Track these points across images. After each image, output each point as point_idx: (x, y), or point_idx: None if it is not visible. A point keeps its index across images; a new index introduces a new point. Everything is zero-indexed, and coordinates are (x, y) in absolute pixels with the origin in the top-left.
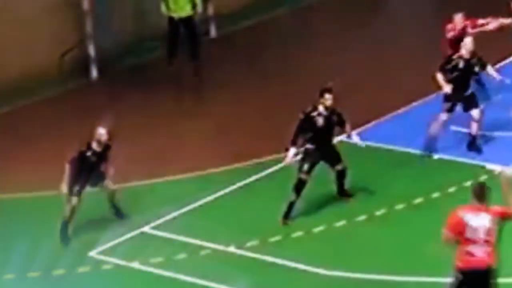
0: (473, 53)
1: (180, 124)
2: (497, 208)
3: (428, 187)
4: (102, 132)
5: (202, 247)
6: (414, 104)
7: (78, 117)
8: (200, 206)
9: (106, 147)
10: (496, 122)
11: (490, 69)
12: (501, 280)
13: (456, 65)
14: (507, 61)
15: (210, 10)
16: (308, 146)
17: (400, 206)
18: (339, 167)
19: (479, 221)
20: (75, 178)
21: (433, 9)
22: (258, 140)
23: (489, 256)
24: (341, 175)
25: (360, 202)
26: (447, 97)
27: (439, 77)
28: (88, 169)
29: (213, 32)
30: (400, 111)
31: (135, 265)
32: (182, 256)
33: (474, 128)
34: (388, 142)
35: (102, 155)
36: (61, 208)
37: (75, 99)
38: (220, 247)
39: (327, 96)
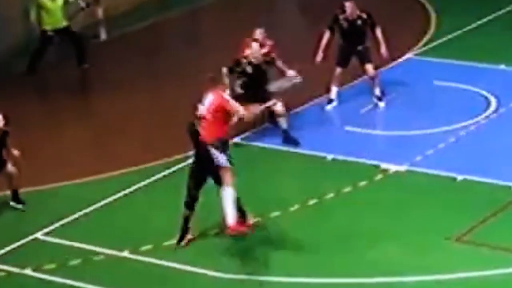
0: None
1: (70, 128)
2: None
3: (323, 188)
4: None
5: (96, 253)
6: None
7: None
8: (94, 211)
9: (4, 133)
10: (390, 121)
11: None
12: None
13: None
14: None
15: (100, 13)
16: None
17: (295, 207)
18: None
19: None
20: None
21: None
22: (150, 143)
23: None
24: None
25: (254, 204)
26: None
27: None
28: None
29: (103, 35)
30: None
31: (28, 271)
32: (76, 262)
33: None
34: (279, 143)
35: (1, 142)
36: None
37: None
38: (114, 252)
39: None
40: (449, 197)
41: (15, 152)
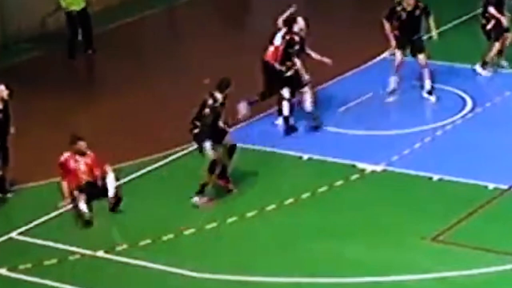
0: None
1: (62, 123)
2: None
3: (299, 187)
4: (2, 88)
5: (71, 252)
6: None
7: None
8: (69, 210)
9: (7, 104)
10: (367, 121)
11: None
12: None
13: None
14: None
15: None
16: None
17: (271, 207)
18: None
19: None
20: None
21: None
22: (125, 144)
23: None
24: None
25: (230, 203)
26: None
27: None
28: None
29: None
30: (270, 111)
31: (3, 271)
32: (51, 261)
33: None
34: (256, 143)
35: (6, 113)
36: None
37: None
38: (89, 252)
39: None
40: (425, 197)
41: (12, 129)
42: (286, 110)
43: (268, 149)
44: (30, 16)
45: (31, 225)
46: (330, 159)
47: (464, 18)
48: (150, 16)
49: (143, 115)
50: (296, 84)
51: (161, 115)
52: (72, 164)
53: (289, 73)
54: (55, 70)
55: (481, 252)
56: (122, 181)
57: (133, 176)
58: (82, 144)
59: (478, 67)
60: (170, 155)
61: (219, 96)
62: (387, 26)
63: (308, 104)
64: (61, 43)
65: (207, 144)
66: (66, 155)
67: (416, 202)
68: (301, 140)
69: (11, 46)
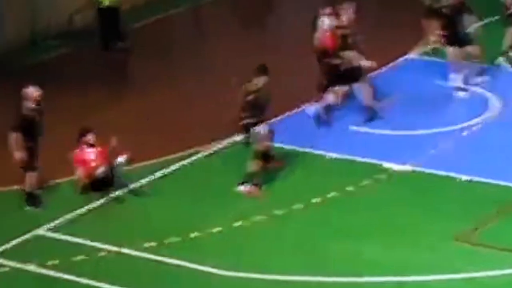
0: None
1: (88, 120)
2: None
3: (326, 186)
4: (33, 89)
5: (99, 249)
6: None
7: None
8: (97, 207)
9: (39, 104)
10: (394, 120)
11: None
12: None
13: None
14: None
15: None
16: None
17: (298, 206)
18: None
19: None
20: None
21: None
22: (153, 140)
23: None
24: None
25: (258, 202)
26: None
27: None
28: (32, 129)
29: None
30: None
31: (32, 267)
32: (78, 258)
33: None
34: (282, 142)
35: (41, 112)
36: None
37: None
38: (117, 249)
39: None
40: (452, 197)
41: None
42: (329, 100)
43: (296, 148)
44: (59, 13)
45: (58, 221)
46: (357, 158)
47: (494, 18)
48: (175, 15)
49: (168, 113)
50: (351, 76)
51: (187, 114)
52: (82, 156)
53: (344, 66)
54: (82, 67)
55: (509, 253)
56: (147, 179)
57: (159, 174)
58: (90, 138)
59: (501, 60)
60: (195, 153)
61: (258, 81)
62: (429, 23)
63: (365, 98)
64: (88, 40)
65: (261, 129)
66: (76, 151)
67: (443, 203)
68: (328, 139)
69: (40, 42)
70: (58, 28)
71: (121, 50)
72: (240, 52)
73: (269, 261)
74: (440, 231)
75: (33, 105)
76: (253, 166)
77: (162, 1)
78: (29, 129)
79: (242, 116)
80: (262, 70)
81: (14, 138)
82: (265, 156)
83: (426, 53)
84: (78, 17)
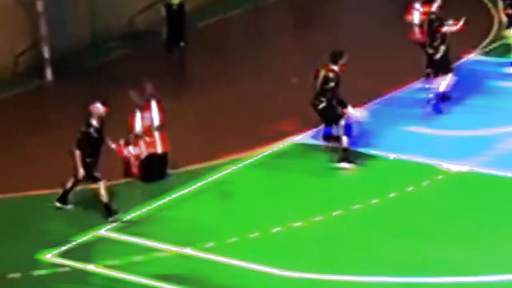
0: None
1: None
2: None
3: (385, 187)
4: (100, 106)
5: (158, 249)
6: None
7: (33, 119)
8: (158, 207)
9: (103, 122)
10: (453, 121)
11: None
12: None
13: None
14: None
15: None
16: None
17: (356, 206)
18: None
19: None
20: (90, 159)
21: None
22: (219, 141)
23: None
24: None
25: (316, 202)
26: None
27: None
28: (95, 147)
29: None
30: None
31: (91, 268)
32: (138, 258)
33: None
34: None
35: (102, 131)
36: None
37: (29, 101)
38: (177, 249)
39: None
40: None
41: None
42: (442, 87)
43: (356, 148)
44: (119, 14)
45: (119, 222)
46: (416, 158)
47: None
48: (236, 15)
49: (228, 112)
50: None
51: (245, 113)
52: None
53: (438, 55)
54: (142, 68)
55: None
56: (206, 181)
57: (218, 176)
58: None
59: None
60: (253, 155)
61: (335, 67)
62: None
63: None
64: (148, 41)
65: (350, 108)
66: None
67: (503, 204)
68: (388, 140)
69: (100, 44)
70: (119, 30)
71: (181, 50)
72: (298, 52)
73: (331, 261)
74: (501, 231)
75: (98, 125)
76: (346, 143)
77: (223, 2)
78: (91, 146)
79: (319, 100)
80: (339, 56)
81: (77, 155)
82: (350, 131)
83: (489, 52)
84: (139, 18)
